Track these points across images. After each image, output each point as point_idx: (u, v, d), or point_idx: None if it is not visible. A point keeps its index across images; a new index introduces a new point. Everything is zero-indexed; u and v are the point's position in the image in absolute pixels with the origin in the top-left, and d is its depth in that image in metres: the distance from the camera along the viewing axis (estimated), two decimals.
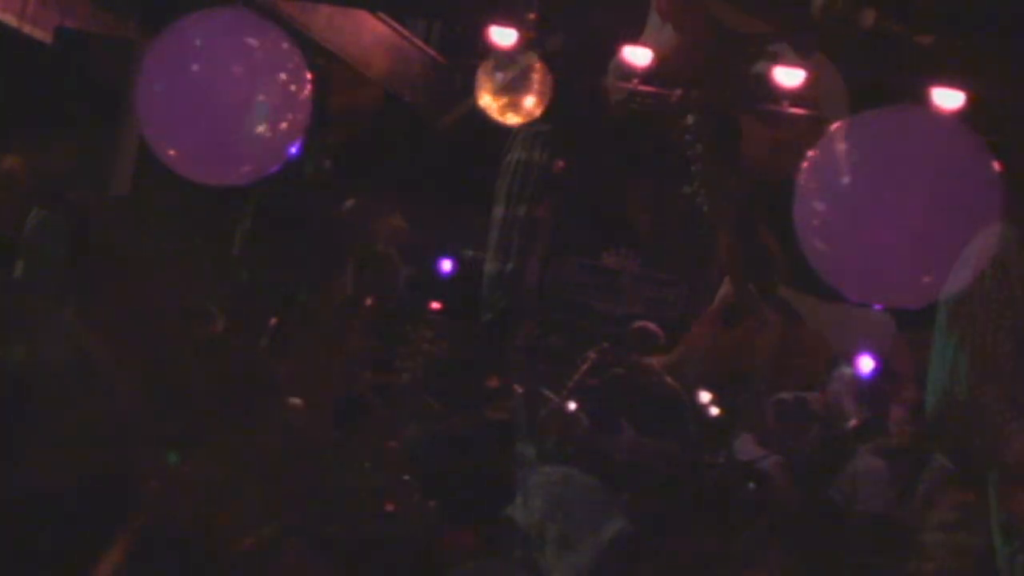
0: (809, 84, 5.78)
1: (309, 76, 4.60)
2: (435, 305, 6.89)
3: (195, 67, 4.42)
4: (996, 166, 3.25)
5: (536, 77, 6.99)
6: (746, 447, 5.38)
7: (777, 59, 6.03)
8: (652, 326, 6.49)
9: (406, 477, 4.25)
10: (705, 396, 5.68)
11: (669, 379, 4.55)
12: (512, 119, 7.10)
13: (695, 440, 4.19)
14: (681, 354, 5.95)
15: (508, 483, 3.53)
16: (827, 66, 5.00)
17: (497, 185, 8.06)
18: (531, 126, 7.52)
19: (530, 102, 6.99)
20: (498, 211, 8.03)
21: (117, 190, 6.47)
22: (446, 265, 8.00)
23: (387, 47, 8.03)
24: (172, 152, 4.51)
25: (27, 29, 6.24)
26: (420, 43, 8.27)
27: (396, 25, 7.94)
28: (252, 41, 4.52)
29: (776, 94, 7.04)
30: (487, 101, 6.99)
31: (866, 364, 6.43)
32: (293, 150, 4.88)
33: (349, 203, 7.03)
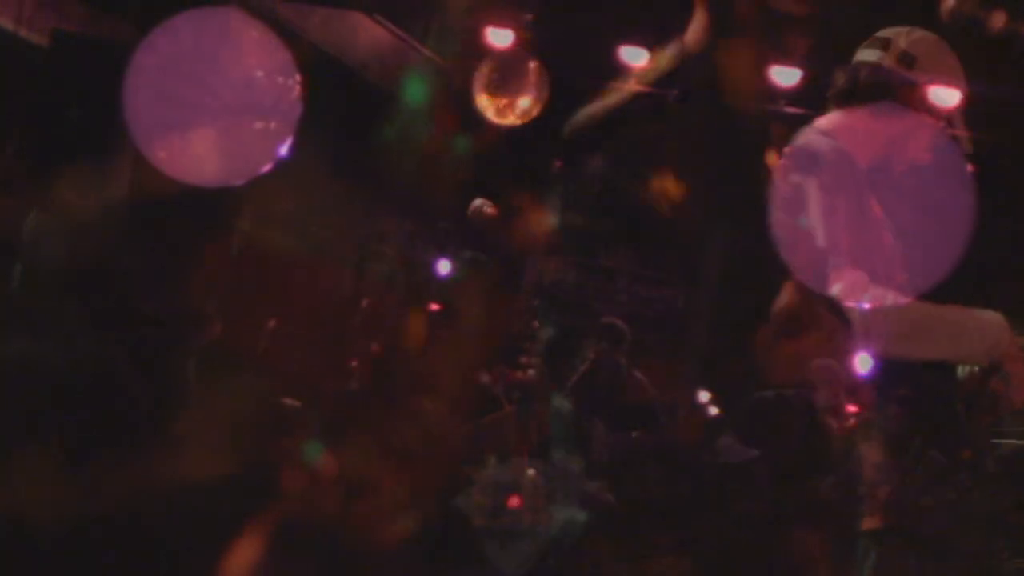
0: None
1: (299, 77, 4.62)
2: (434, 306, 6.89)
3: (185, 68, 4.43)
4: (969, 167, 3.26)
5: (533, 78, 7.01)
6: (730, 446, 5.38)
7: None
8: (620, 323, 6.54)
9: (531, 472, 4.24)
10: (704, 396, 5.69)
11: (641, 376, 4.58)
12: (509, 119, 7.12)
13: (669, 437, 4.21)
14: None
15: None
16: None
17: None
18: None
19: (526, 102, 7.01)
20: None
21: (115, 193, 6.49)
22: (444, 266, 8.00)
23: (383, 49, 8.04)
24: (162, 154, 4.53)
25: (23, 32, 6.27)
26: (416, 44, 8.28)
27: (392, 27, 7.95)
28: (243, 41, 4.54)
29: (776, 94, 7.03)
30: (484, 102, 7.01)
31: (864, 362, 6.41)
32: (283, 151, 4.89)
33: (478, 201, 7.06)
